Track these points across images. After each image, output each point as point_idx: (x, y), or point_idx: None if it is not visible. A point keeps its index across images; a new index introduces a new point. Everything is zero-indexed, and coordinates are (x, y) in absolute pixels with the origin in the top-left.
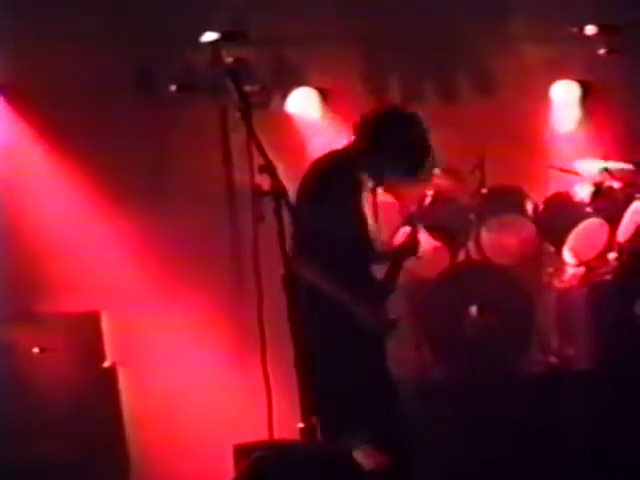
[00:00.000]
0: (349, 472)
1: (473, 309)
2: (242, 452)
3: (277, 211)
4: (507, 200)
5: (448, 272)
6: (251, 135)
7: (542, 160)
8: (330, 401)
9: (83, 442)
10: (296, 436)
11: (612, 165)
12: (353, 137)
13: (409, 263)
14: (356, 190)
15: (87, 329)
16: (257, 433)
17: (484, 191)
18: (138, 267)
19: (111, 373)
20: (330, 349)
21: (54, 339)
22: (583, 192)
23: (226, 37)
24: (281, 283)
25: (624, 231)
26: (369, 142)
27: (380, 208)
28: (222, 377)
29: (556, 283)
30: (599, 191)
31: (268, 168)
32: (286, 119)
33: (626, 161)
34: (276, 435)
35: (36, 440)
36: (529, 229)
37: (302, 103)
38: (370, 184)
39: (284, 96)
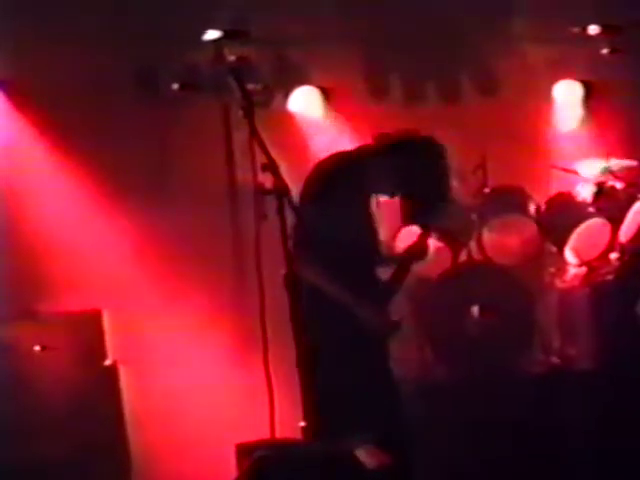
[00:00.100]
0: (351, 471)
1: (475, 309)
2: (244, 451)
3: (279, 210)
4: (509, 200)
5: (450, 272)
6: (253, 134)
7: (544, 160)
8: (332, 401)
9: (84, 441)
10: (298, 435)
11: (615, 163)
12: (369, 141)
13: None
14: (363, 192)
15: (88, 327)
16: (259, 432)
17: (486, 191)
18: (139, 266)
19: (112, 371)
20: (332, 349)
21: (55, 337)
22: (585, 192)
23: (228, 36)
24: (283, 282)
25: (626, 231)
26: (391, 153)
27: (381, 208)
28: (224, 376)
29: (558, 283)
30: (601, 191)
31: (271, 167)
32: (288, 118)
33: (629, 159)
34: (278, 434)
35: (37, 439)
36: (531, 229)
37: (304, 102)
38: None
39: (286, 95)
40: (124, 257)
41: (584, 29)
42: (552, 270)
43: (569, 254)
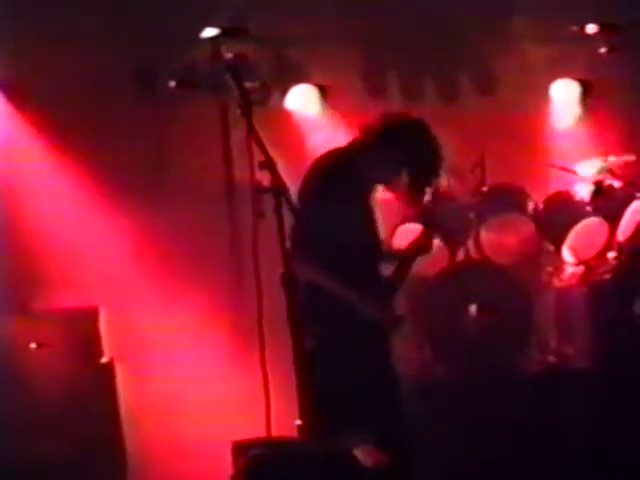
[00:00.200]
0: (348, 470)
1: (472, 308)
2: (240, 449)
3: (277, 208)
4: (507, 199)
5: (447, 271)
6: (251, 132)
7: (542, 159)
8: (331, 399)
9: (80, 438)
10: (294, 434)
11: (613, 159)
12: (358, 136)
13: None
14: (362, 188)
15: (85, 325)
16: (255, 430)
17: (484, 190)
18: (137, 263)
19: (109, 369)
20: (332, 347)
21: (52, 335)
22: (583, 191)
23: (226, 33)
24: (280, 281)
25: (624, 230)
26: (381, 143)
27: (379, 206)
28: (220, 374)
29: (555, 282)
30: (599, 190)
31: (268, 165)
32: (286, 116)
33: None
34: (274, 432)
35: (33, 437)
36: (529, 228)
37: (302, 100)
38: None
39: (284, 93)
40: (121, 255)
41: (582, 28)
42: (550, 269)
43: (567, 253)
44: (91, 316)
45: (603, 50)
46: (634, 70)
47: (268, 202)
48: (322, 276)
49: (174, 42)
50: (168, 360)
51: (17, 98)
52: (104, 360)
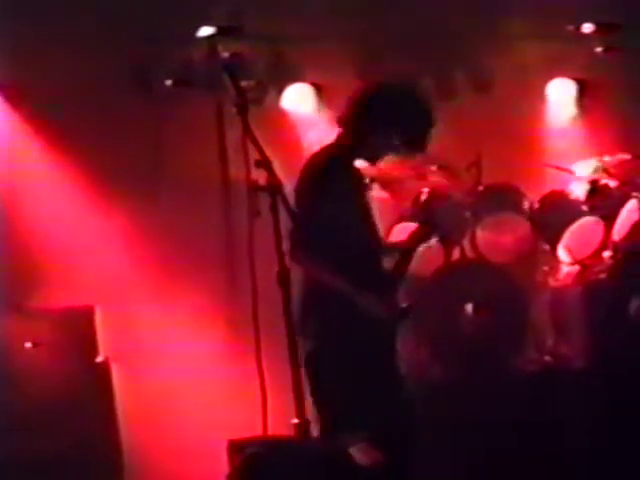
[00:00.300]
0: (343, 468)
1: (468, 307)
2: (236, 448)
3: (273, 207)
4: (503, 198)
5: (443, 270)
6: (247, 130)
7: (538, 158)
8: (332, 398)
9: (76, 437)
10: (290, 432)
11: (609, 159)
12: (340, 129)
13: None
14: (358, 182)
15: (80, 324)
16: (251, 429)
17: (480, 189)
18: (132, 262)
19: (104, 368)
20: (335, 347)
21: (47, 334)
22: (579, 190)
23: (222, 32)
24: (276, 279)
25: (619, 229)
26: (358, 125)
27: (375, 204)
28: (216, 373)
29: (551, 281)
30: (595, 189)
31: (264, 163)
32: (281, 115)
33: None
34: (270, 431)
35: (29, 435)
36: (524, 227)
37: (297, 99)
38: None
39: (280, 92)
40: (117, 254)
41: (578, 27)
42: (545, 268)
43: (562, 252)
44: (87, 315)
45: (599, 49)
46: (630, 69)
47: (264, 201)
48: (325, 274)
49: (170, 41)
50: (164, 359)
51: (14, 98)
52: (100, 359)
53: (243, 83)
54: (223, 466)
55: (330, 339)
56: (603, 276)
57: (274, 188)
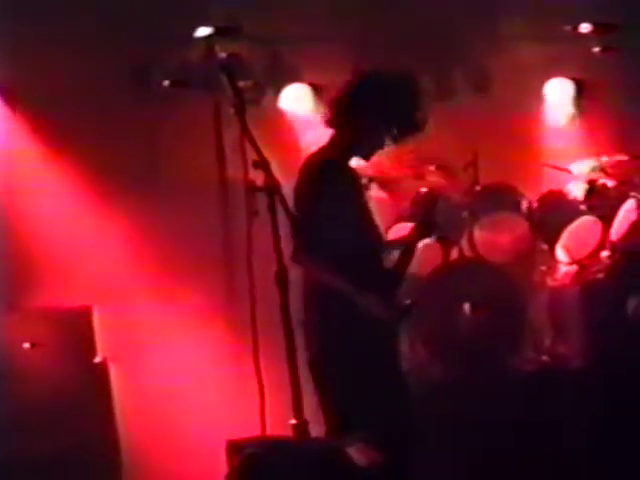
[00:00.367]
0: (342, 469)
1: (466, 306)
2: (235, 448)
3: (271, 207)
4: (500, 198)
5: (441, 270)
6: (245, 131)
7: (536, 158)
8: (338, 399)
9: (74, 438)
10: (289, 433)
11: (606, 159)
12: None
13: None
14: (354, 182)
15: (78, 324)
16: (250, 429)
17: (478, 189)
18: (130, 262)
19: (102, 369)
20: (337, 347)
21: (45, 334)
22: (577, 190)
23: (220, 32)
24: (274, 279)
25: (617, 229)
26: (348, 120)
27: (373, 204)
28: (215, 373)
29: (549, 281)
30: (593, 189)
31: (262, 164)
32: (279, 115)
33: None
34: (269, 431)
35: (27, 436)
36: (522, 227)
37: (295, 99)
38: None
39: (277, 92)
40: (115, 254)
41: (576, 27)
42: (543, 268)
43: (560, 252)
44: (85, 316)
45: (597, 49)
46: (628, 69)
47: (262, 201)
48: (327, 275)
49: (168, 42)
50: (162, 359)
51: (12, 99)
52: (98, 360)
53: (240, 83)
54: (222, 466)
55: (334, 340)
56: (601, 276)
57: (272, 188)
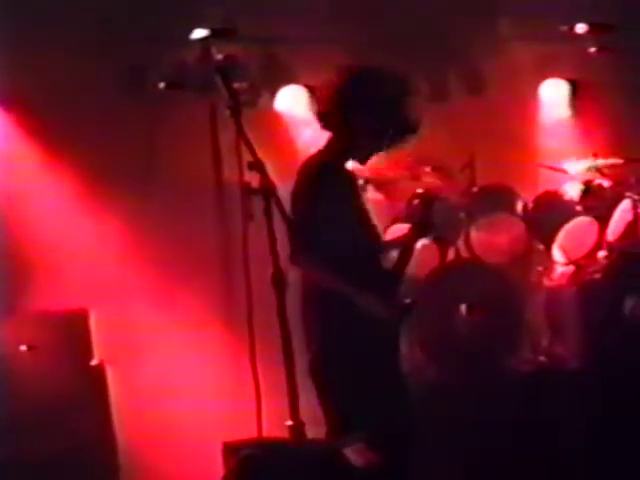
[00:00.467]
0: (339, 470)
1: (463, 307)
2: (231, 450)
3: (266, 209)
4: (497, 199)
5: (438, 271)
6: (240, 133)
7: (532, 159)
8: (339, 400)
9: (71, 440)
10: (285, 434)
11: (602, 161)
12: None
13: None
14: (351, 184)
15: (75, 327)
16: (246, 431)
17: (474, 190)
18: (127, 265)
19: (99, 371)
20: (337, 348)
21: (42, 337)
22: (573, 191)
23: (215, 34)
24: (271, 281)
25: (613, 230)
26: (343, 122)
27: (370, 206)
28: (211, 375)
29: (546, 282)
30: (589, 190)
31: (257, 166)
32: (275, 117)
33: (616, 157)
34: (265, 433)
35: (24, 438)
36: (519, 227)
37: (291, 101)
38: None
39: (273, 94)
40: (111, 257)
41: (571, 28)
42: (540, 268)
43: (557, 252)
44: (81, 318)
45: (592, 50)
46: (623, 69)
47: (258, 203)
48: (326, 277)
49: (163, 44)
50: (158, 361)
51: (9, 101)
52: (94, 362)
53: (236, 85)
54: (218, 468)
55: (333, 340)
56: (598, 276)
57: (267, 191)
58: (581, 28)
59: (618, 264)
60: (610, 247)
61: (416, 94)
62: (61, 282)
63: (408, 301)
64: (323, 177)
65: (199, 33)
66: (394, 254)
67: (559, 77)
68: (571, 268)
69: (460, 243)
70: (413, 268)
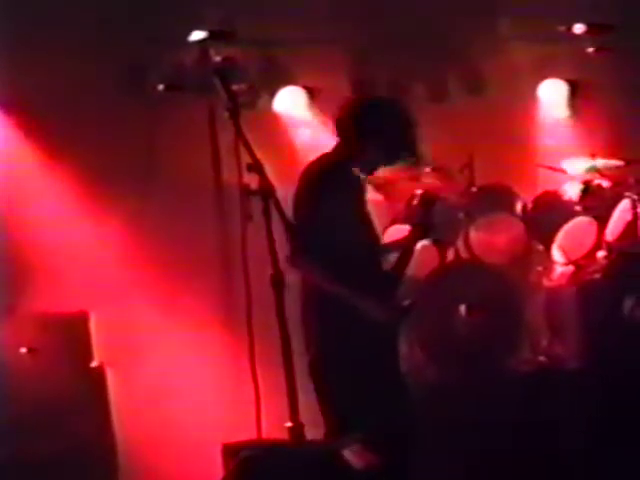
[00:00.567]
0: (338, 471)
1: (462, 308)
2: (230, 451)
3: (265, 211)
4: (496, 199)
5: (437, 271)
6: (239, 134)
7: (531, 159)
8: (338, 401)
9: (71, 442)
10: (284, 436)
11: (601, 162)
12: (337, 138)
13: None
14: (355, 186)
15: (75, 329)
16: (245, 432)
17: (473, 190)
18: (126, 267)
19: (99, 373)
20: (336, 350)
21: (42, 339)
22: (572, 191)
23: (214, 36)
24: (270, 282)
25: (613, 230)
26: (354, 139)
27: (369, 207)
28: (211, 376)
29: (545, 282)
30: (588, 190)
31: (256, 167)
32: (273, 118)
33: (615, 158)
34: (264, 435)
35: (24, 440)
36: (518, 228)
37: (289, 102)
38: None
39: (272, 95)
40: (111, 259)
41: (570, 28)
42: (539, 269)
43: (556, 253)
44: (81, 320)
45: (591, 50)
46: (622, 69)
47: (256, 204)
48: (326, 279)
49: (162, 45)
50: (158, 363)
51: (9, 102)
52: (94, 364)
53: (235, 87)
54: (217, 469)
55: (333, 342)
56: (597, 276)
57: (266, 192)
58: (580, 28)
59: (617, 264)
60: (609, 247)
61: (416, 124)
62: (61, 284)
63: (406, 303)
64: (326, 179)
65: (198, 35)
66: (394, 256)
67: (558, 77)
68: (570, 268)
69: (459, 243)
70: (413, 269)
